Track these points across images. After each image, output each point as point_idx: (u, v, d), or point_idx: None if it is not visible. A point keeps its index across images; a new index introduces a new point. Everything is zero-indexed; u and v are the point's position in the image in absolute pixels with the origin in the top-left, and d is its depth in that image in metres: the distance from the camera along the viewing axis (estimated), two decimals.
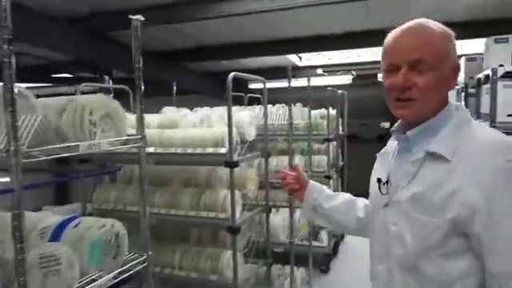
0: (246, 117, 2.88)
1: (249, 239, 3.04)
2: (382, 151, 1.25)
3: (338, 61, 7.09)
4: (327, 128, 4.51)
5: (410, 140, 1.11)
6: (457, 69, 1.08)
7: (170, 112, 3.38)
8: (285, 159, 3.68)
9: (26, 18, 3.89)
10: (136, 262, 1.52)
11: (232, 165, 2.50)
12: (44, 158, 1.15)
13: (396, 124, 1.19)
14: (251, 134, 2.89)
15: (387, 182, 1.15)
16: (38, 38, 4.12)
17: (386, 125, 8.19)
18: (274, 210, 3.98)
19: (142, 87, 1.57)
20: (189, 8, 3.87)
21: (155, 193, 2.81)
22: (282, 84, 4.15)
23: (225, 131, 2.54)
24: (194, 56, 6.09)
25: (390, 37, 1.11)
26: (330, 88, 4.82)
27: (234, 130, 2.56)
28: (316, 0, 3.58)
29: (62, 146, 1.19)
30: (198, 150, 2.65)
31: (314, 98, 4.03)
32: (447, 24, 1.09)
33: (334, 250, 5.01)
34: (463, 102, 3.90)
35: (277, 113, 3.88)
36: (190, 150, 2.67)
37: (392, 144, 1.23)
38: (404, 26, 1.09)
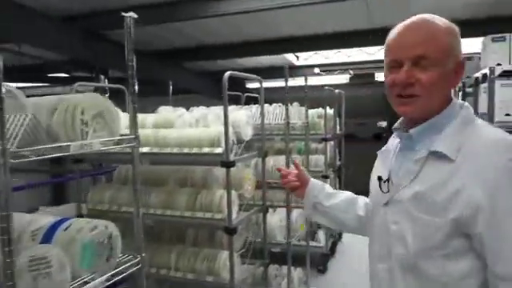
0: (243, 116, 2.86)
1: (246, 239, 3.01)
2: (383, 149, 1.23)
3: (336, 60, 7.08)
4: (324, 127, 4.49)
5: (412, 138, 1.09)
6: (461, 65, 1.06)
7: (165, 111, 3.36)
8: (282, 159, 3.66)
9: (22, 17, 3.86)
10: (130, 264, 1.49)
11: (228, 165, 2.48)
12: (34, 158, 1.13)
13: (398, 121, 1.18)
14: (248, 133, 2.86)
15: (388, 180, 1.13)
16: (33, 37, 4.09)
17: (383, 124, 8.20)
18: (271, 210, 3.96)
19: (136, 86, 1.54)
20: (185, 7, 3.85)
21: (151, 193, 2.78)
22: (279, 83, 4.14)
23: (221, 131, 2.51)
24: (191, 55, 6.07)
25: (393, 32, 1.09)
26: (327, 87, 4.80)
27: (231, 130, 2.54)
28: None
29: (52, 146, 1.17)
30: (194, 150, 2.62)
31: (312, 97, 4.01)
32: None
33: (332, 250, 4.99)
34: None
35: (274, 112, 3.85)
36: (185, 150, 2.64)
37: (393, 142, 1.21)
38: (407, 22, 1.07)
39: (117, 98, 2.54)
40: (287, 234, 3.44)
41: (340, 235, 5.52)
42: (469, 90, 3.95)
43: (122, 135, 1.49)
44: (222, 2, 3.78)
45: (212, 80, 7.65)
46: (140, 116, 3.06)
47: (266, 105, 3.66)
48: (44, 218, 1.51)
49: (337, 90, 5.10)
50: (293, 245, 3.53)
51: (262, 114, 3.05)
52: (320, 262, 4.62)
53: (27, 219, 1.53)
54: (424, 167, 1.04)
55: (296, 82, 5.35)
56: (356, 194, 1.44)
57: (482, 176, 0.94)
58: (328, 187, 1.44)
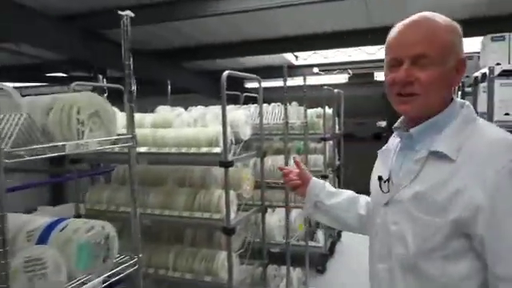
0: (241, 116, 2.85)
1: (244, 240, 3.00)
2: (383, 148, 1.22)
3: (335, 60, 7.08)
4: (323, 127, 4.49)
5: (413, 138, 1.08)
6: (463, 63, 1.05)
7: (164, 111, 3.34)
8: (280, 159, 3.65)
9: (21, 16, 3.84)
10: (127, 264, 1.48)
11: (226, 164, 2.47)
12: (28, 158, 1.11)
13: (399, 120, 1.17)
14: (246, 133, 2.85)
15: (388, 179, 1.12)
16: (31, 36, 4.07)
17: (383, 124, 8.19)
18: (269, 210, 3.95)
19: (133, 86, 1.53)
20: (184, 6, 3.84)
21: (149, 193, 2.77)
22: (278, 83, 4.13)
23: (219, 130, 2.50)
24: (189, 55, 6.05)
25: (394, 31, 1.08)
26: (326, 87, 4.79)
27: (229, 130, 2.52)
28: None
29: (47, 145, 1.15)
30: (193, 150, 2.61)
31: (310, 96, 4.00)
32: None
33: (331, 250, 4.99)
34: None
35: (272, 112, 3.84)
36: (183, 150, 2.63)
37: (394, 141, 1.20)
38: (408, 20, 1.07)
39: (115, 97, 2.53)
40: (286, 234, 3.43)
41: (339, 235, 5.51)
42: (468, 89, 3.95)
43: (118, 135, 1.48)
44: (221, 1, 3.77)
45: (210, 79, 7.64)
46: (138, 116, 3.06)
47: (265, 104, 3.65)
48: (40, 219, 1.49)
49: (336, 90, 5.10)
50: (292, 245, 3.52)
51: (261, 113, 3.03)
52: (319, 262, 4.61)
53: (23, 219, 1.52)
54: (424, 167, 1.03)
55: (295, 81, 5.34)
56: (356, 193, 1.43)
57: (483, 176, 0.93)
58: (329, 186, 1.44)
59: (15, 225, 1.46)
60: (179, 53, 6.01)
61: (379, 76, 7.68)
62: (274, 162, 3.77)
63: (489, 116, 3.04)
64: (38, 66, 6.09)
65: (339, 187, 5.39)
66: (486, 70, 3.16)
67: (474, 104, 3.47)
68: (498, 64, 3.19)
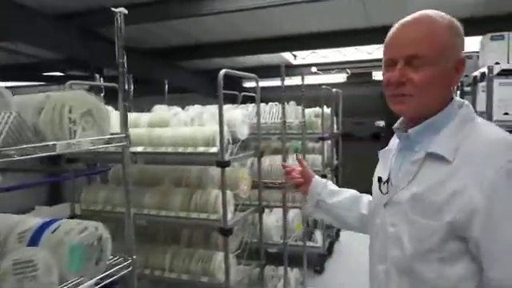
0: (239, 115, 2.82)
1: (241, 240, 2.98)
2: (385, 149, 1.22)
3: (333, 59, 7.07)
4: (321, 127, 4.46)
5: (410, 138, 1.07)
6: (462, 63, 1.03)
7: (160, 110, 3.31)
8: (278, 158, 3.62)
9: (17, 15, 3.82)
10: (120, 266, 1.45)
11: (223, 164, 2.44)
12: (18, 157, 1.09)
13: (399, 121, 1.16)
14: (243, 132, 2.83)
15: (387, 180, 1.11)
16: (28, 35, 4.04)
17: (381, 123, 8.18)
18: (267, 210, 3.92)
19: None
20: (180, 5, 3.81)
21: (145, 193, 2.74)
22: (276, 82, 4.10)
23: (216, 130, 2.48)
24: (187, 54, 6.03)
25: (391, 30, 1.07)
26: (324, 86, 4.77)
27: (226, 129, 2.50)
28: None
29: (38, 145, 1.13)
30: (189, 150, 2.58)
31: (309, 96, 3.98)
32: None
33: (329, 250, 4.97)
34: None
35: (270, 111, 3.82)
36: (180, 150, 2.60)
37: (394, 141, 1.19)
38: (405, 19, 1.05)
39: (111, 96, 2.50)
40: (283, 235, 3.41)
41: (337, 235, 5.49)
42: (467, 88, 3.93)
43: (112, 134, 1.45)
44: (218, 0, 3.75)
45: (208, 79, 7.62)
46: (134, 115, 3.03)
47: (263, 104, 3.62)
48: (32, 220, 1.47)
49: (334, 89, 5.08)
50: (289, 245, 3.50)
51: (258, 113, 3.01)
52: (317, 263, 4.59)
53: (15, 220, 1.49)
54: (422, 168, 1.02)
55: (293, 81, 5.31)
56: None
57: (480, 177, 0.91)
58: (331, 184, 1.44)
59: (7, 226, 1.43)
60: (176, 52, 5.99)
61: (377, 75, 7.68)
62: (271, 161, 3.74)
63: (488, 115, 3.03)
64: (35, 65, 6.06)
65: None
66: (485, 70, 3.14)
67: (473, 103, 3.46)
68: (497, 63, 3.18)
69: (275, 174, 3.63)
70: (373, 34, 4.80)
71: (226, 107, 3.15)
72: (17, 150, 1.09)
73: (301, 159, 1.49)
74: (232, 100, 4.26)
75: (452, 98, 1.06)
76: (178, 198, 2.65)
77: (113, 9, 1.35)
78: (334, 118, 5.18)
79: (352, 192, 1.41)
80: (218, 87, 2.42)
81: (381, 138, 8.38)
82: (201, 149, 2.55)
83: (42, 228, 1.39)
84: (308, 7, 3.90)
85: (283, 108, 3.31)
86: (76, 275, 1.31)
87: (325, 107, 4.64)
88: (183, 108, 3.39)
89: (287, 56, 6.86)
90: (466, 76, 3.81)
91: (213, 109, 3.02)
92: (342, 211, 1.38)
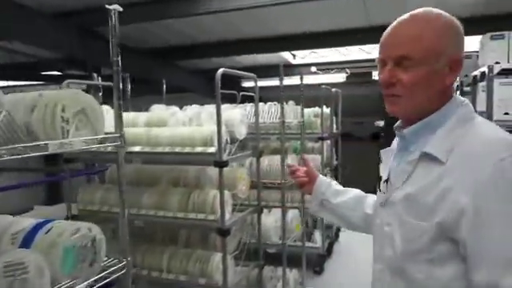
0: (237, 115, 2.80)
1: (240, 241, 2.95)
2: (386, 148, 1.22)
3: (332, 59, 7.05)
4: (321, 126, 4.44)
5: (406, 138, 1.07)
6: (457, 62, 1.01)
7: (158, 110, 3.29)
8: (277, 158, 3.60)
9: (15, 14, 3.79)
10: (114, 268, 1.42)
11: (221, 164, 2.42)
12: (9, 157, 1.06)
13: (399, 120, 1.15)
14: (242, 132, 2.80)
15: (387, 180, 1.11)
16: (25, 34, 4.02)
17: (381, 123, 8.14)
18: (266, 210, 3.90)
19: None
20: (178, 4, 3.79)
21: (143, 193, 2.72)
22: (275, 82, 4.08)
23: (214, 130, 2.45)
24: (185, 53, 6.01)
25: (385, 31, 1.06)
26: (324, 86, 4.75)
27: (224, 129, 2.48)
28: None
29: (28, 144, 1.10)
30: (187, 149, 2.56)
31: (308, 96, 3.96)
32: None
33: (328, 251, 4.94)
34: None
35: (269, 111, 3.80)
36: (178, 149, 2.58)
37: (396, 141, 1.19)
38: (397, 20, 1.04)
39: (108, 95, 2.48)
40: (282, 235, 3.39)
41: (337, 235, 5.47)
42: (467, 88, 3.91)
43: (106, 133, 1.43)
44: None
45: (206, 78, 7.60)
46: (132, 114, 3.01)
47: (261, 103, 3.60)
48: (26, 220, 1.44)
49: (333, 89, 5.05)
50: (288, 246, 3.48)
51: (257, 112, 2.99)
52: (316, 263, 4.56)
53: (8, 221, 1.46)
54: (416, 169, 1.02)
55: (293, 80, 5.28)
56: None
57: (469, 177, 0.89)
58: (336, 184, 1.44)
59: (0, 226, 1.41)
60: (175, 51, 5.97)
61: (377, 75, 7.64)
62: (270, 161, 3.72)
63: (488, 115, 3.00)
64: (33, 64, 6.04)
65: None
66: (485, 69, 3.12)
67: (473, 103, 3.43)
68: (497, 63, 3.15)
69: (274, 174, 3.60)
70: (373, 33, 4.76)
71: (225, 107, 3.13)
72: (7, 150, 1.07)
73: (306, 159, 1.49)
74: (231, 100, 4.24)
75: (452, 97, 1.04)
76: (175, 198, 2.63)
77: (107, 6, 1.32)
78: (334, 117, 5.16)
79: (357, 192, 1.40)
80: (216, 87, 2.39)
81: (380, 138, 8.35)
82: (199, 149, 2.53)
83: (36, 229, 1.36)
84: (307, 6, 3.87)
85: (282, 108, 3.29)
86: (69, 277, 1.29)
87: (324, 107, 4.62)
88: (181, 108, 3.37)
89: (286, 55, 6.84)
90: (466, 76, 3.79)
91: (211, 108, 3.00)
92: (346, 211, 1.37)
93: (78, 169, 4.21)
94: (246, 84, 7.59)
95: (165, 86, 4.52)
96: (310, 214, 4.39)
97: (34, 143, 1.12)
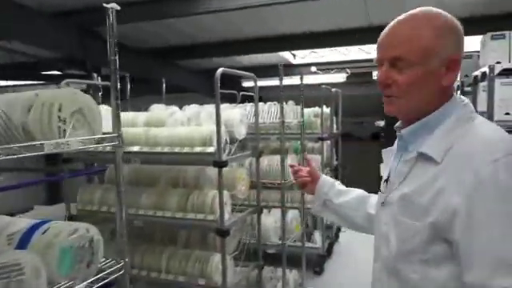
0: (236, 115, 2.79)
1: (239, 241, 2.94)
2: (388, 148, 1.21)
3: (332, 59, 7.03)
4: (321, 126, 4.43)
5: (404, 138, 1.06)
6: (455, 62, 0.99)
7: (158, 110, 3.28)
8: (277, 158, 3.58)
9: (14, 13, 3.78)
10: (112, 269, 1.41)
11: (220, 164, 2.41)
12: (4, 157, 1.05)
13: (400, 121, 1.14)
14: (241, 132, 2.79)
15: (387, 180, 1.12)
16: (25, 33, 4.01)
17: (381, 123, 8.12)
18: (265, 210, 3.89)
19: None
20: (177, 3, 3.78)
21: (141, 193, 2.71)
22: (275, 82, 4.07)
23: (213, 130, 2.44)
24: (185, 53, 6.00)
25: (383, 31, 1.06)
26: (324, 86, 4.73)
27: (223, 129, 2.47)
28: None
29: (24, 144, 1.09)
30: (186, 150, 2.55)
31: (308, 96, 3.95)
32: None
33: (328, 251, 4.93)
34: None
35: (268, 111, 3.78)
36: (177, 149, 2.57)
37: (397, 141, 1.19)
38: (394, 20, 1.04)
39: (106, 95, 2.47)
40: (282, 235, 3.38)
41: (337, 236, 5.46)
42: (467, 88, 3.89)
43: (104, 133, 1.41)
44: None
45: (206, 78, 7.57)
46: (131, 114, 3.00)
47: (261, 103, 3.59)
48: (22, 221, 1.43)
49: (334, 89, 5.04)
50: (288, 246, 3.47)
51: (256, 112, 2.98)
52: (316, 264, 4.54)
53: (6, 221, 1.45)
54: (413, 169, 1.02)
55: (293, 80, 5.27)
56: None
57: (462, 177, 0.88)
58: (339, 184, 1.44)
59: None
60: (175, 51, 5.96)
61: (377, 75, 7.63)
62: (270, 161, 3.70)
63: (489, 115, 3.00)
64: (33, 64, 6.03)
65: None
66: (485, 69, 3.11)
67: (474, 103, 3.42)
68: (498, 63, 3.14)
69: (274, 175, 3.59)
70: (373, 33, 4.74)
71: (224, 106, 3.12)
72: (3, 150, 1.06)
73: (309, 158, 1.49)
74: (231, 99, 4.22)
75: (452, 97, 1.03)
76: (174, 199, 2.62)
77: (104, 4, 1.31)
78: (334, 117, 5.14)
79: (360, 192, 1.40)
80: (215, 86, 2.38)
81: (380, 138, 8.34)
82: (198, 149, 2.52)
83: (32, 229, 1.35)
84: (307, 6, 3.86)
85: (281, 107, 3.28)
86: (66, 278, 1.28)
87: (324, 107, 4.61)
88: (181, 108, 3.35)
89: (286, 55, 6.82)
90: (467, 76, 3.78)
91: (210, 108, 2.98)
92: (349, 211, 1.37)
93: (77, 169, 4.20)
94: (246, 84, 7.58)
95: (164, 86, 4.51)
96: (309, 215, 4.38)
97: (29, 143, 1.11)
